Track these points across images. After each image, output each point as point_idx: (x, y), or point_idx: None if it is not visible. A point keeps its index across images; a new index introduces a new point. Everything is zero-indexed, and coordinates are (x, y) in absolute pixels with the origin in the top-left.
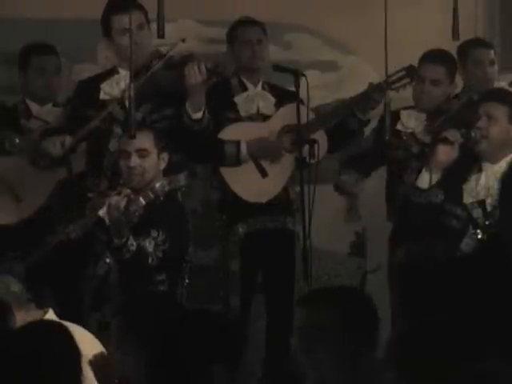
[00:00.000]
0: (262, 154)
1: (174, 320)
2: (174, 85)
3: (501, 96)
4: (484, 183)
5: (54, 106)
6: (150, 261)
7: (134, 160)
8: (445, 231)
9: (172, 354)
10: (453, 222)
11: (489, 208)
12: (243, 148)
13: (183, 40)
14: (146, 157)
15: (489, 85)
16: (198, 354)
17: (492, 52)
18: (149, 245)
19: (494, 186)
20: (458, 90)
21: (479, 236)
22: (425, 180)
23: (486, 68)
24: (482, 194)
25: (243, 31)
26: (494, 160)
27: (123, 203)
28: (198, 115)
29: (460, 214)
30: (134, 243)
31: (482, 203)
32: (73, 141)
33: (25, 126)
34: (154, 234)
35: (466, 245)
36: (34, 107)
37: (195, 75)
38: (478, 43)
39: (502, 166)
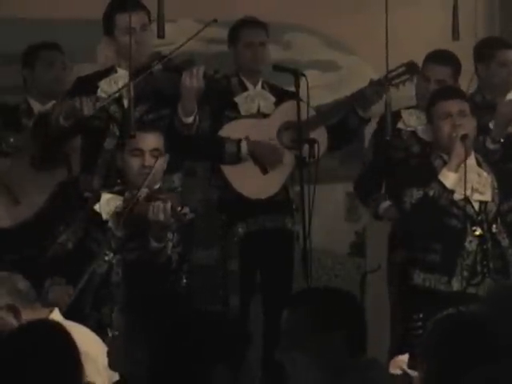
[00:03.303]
0: (263, 151)
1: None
2: (172, 87)
3: (459, 92)
4: (463, 180)
5: None
6: (172, 263)
7: (149, 159)
8: (449, 231)
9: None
10: (452, 222)
11: (475, 204)
12: (244, 147)
13: (215, 20)
14: (158, 157)
15: (510, 85)
16: (201, 354)
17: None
18: (169, 247)
19: (474, 181)
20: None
21: (477, 233)
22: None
23: (510, 68)
24: (468, 191)
25: (247, 33)
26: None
27: (169, 206)
28: (189, 120)
29: (456, 212)
30: (170, 248)
31: (468, 200)
32: (101, 104)
33: (26, 125)
34: (169, 235)
35: (470, 243)
36: (36, 106)
37: (192, 80)
38: (502, 44)
39: (471, 159)
